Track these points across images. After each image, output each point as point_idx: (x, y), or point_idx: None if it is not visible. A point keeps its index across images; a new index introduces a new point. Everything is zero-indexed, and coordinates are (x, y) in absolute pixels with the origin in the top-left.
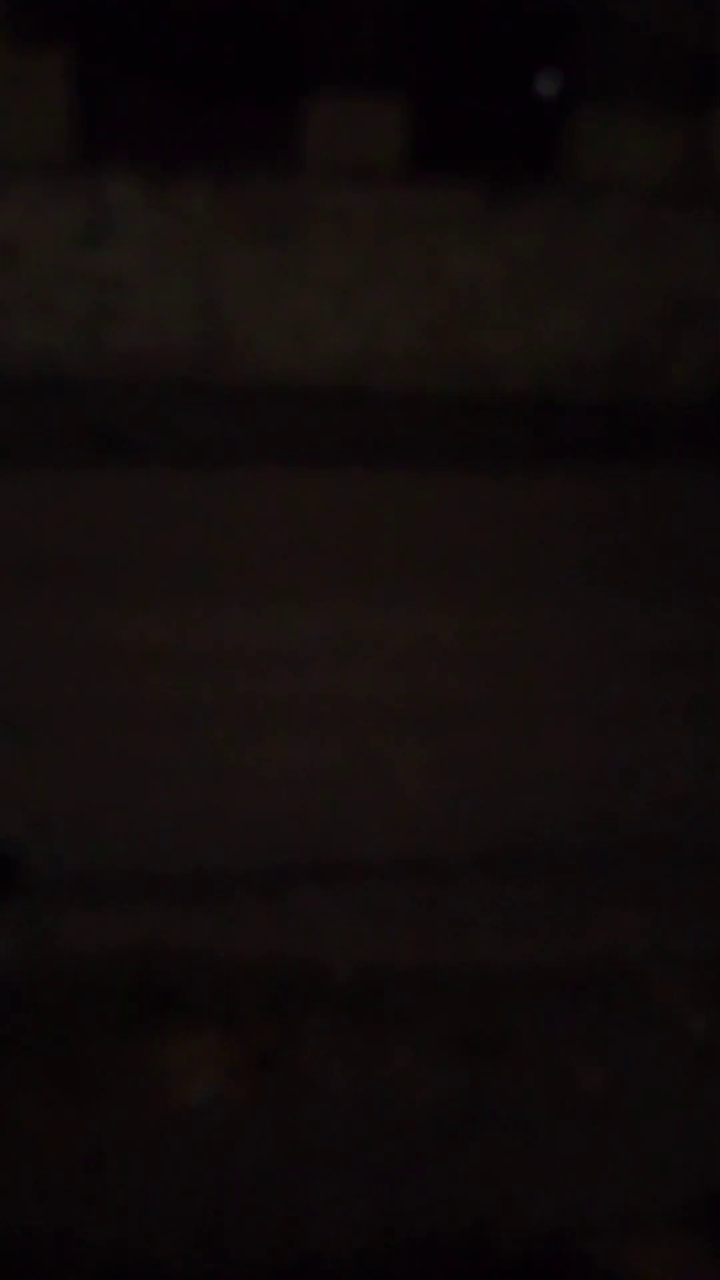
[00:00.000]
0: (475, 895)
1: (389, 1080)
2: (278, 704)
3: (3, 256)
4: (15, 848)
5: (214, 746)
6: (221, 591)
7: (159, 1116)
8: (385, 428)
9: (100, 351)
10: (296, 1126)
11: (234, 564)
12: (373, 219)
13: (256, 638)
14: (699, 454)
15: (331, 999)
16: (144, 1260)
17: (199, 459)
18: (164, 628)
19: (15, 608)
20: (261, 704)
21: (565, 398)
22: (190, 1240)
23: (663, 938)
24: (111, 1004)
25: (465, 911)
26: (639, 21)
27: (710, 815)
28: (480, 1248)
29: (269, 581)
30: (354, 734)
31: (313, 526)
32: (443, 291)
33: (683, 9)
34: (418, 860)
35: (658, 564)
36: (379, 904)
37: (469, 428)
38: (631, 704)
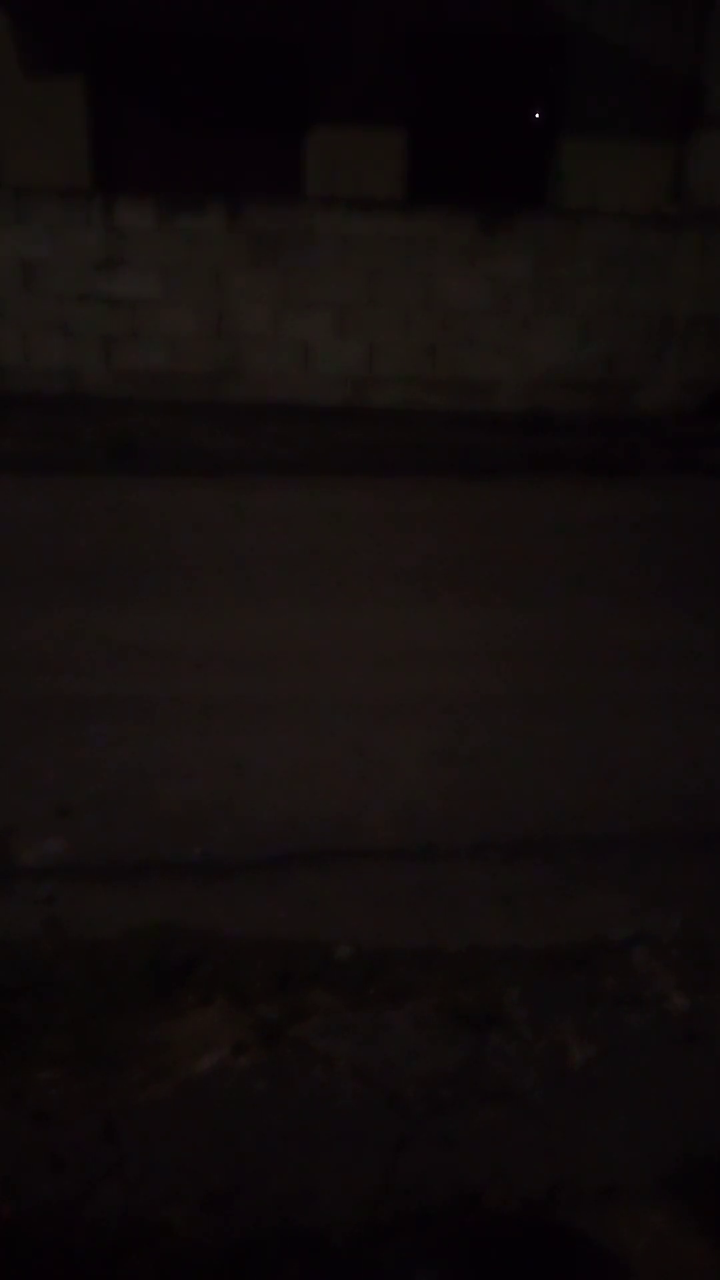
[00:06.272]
0: (470, 879)
1: (387, 1053)
2: (283, 699)
3: (25, 279)
4: None
5: (223, 739)
6: (229, 593)
7: (171, 1089)
8: (383, 442)
9: (116, 369)
10: (300, 1097)
11: (241, 567)
12: (372, 244)
13: (262, 636)
14: (680, 466)
15: (333, 976)
16: (155, 1228)
17: (208, 470)
18: (176, 627)
19: (36, 606)
20: (267, 699)
21: (554, 413)
22: (199, 1209)
23: (647, 921)
24: (127, 981)
25: (461, 894)
26: (623, 53)
27: (692, 804)
28: (471, 1218)
29: (274, 583)
30: (355, 727)
31: (315, 532)
32: (437, 313)
33: (665, 40)
34: (416, 846)
35: (641, 568)
36: (379, 887)
37: (462, 442)
38: (617, 700)
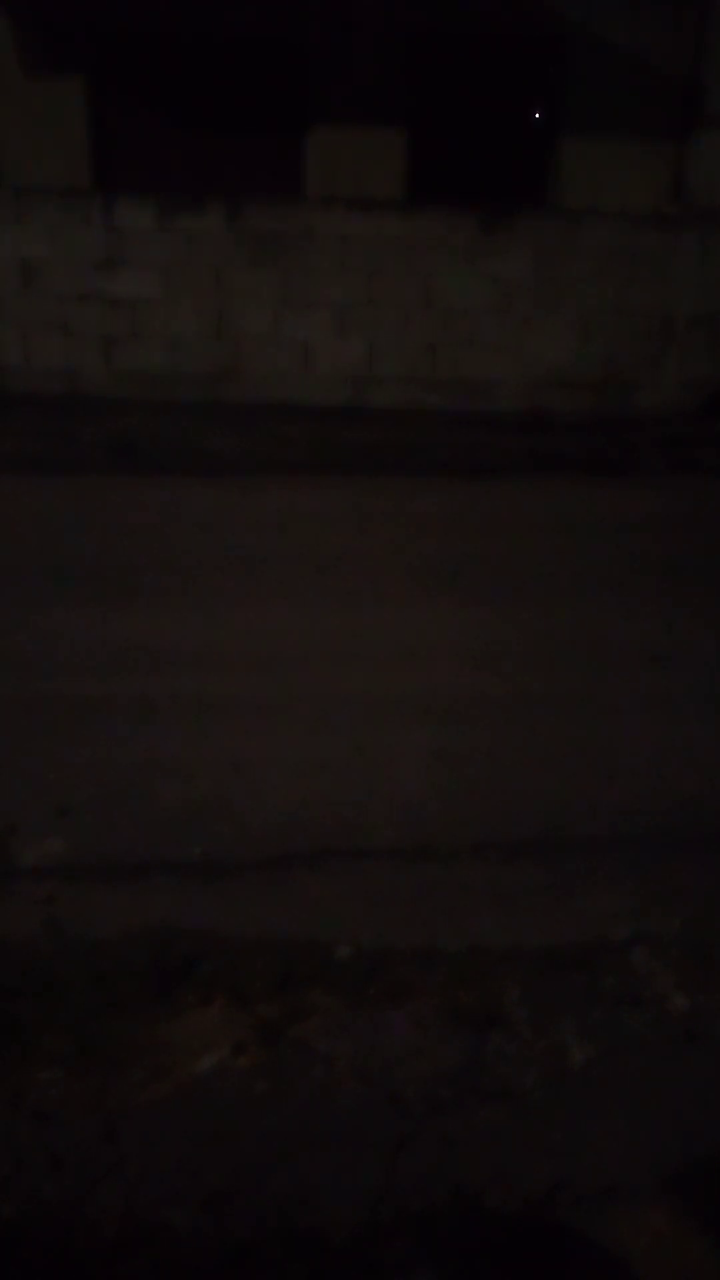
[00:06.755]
0: (470, 879)
1: (387, 1053)
2: (282, 699)
3: (25, 279)
4: None
5: (223, 739)
6: (229, 593)
7: (171, 1089)
8: (383, 442)
9: (116, 370)
10: (300, 1097)
11: (241, 567)
12: (372, 244)
13: (262, 636)
14: (680, 466)
15: (333, 976)
16: (155, 1228)
17: (208, 469)
18: (175, 627)
19: (37, 606)
20: (267, 699)
21: (554, 413)
22: (199, 1209)
23: (647, 921)
24: (127, 982)
25: (461, 894)
26: (623, 53)
27: (692, 804)
28: (471, 1218)
29: (275, 583)
30: (355, 727)
31: (315, 532)
32: (437, 313)
33: (665, 40)
34: (416, 846)
35: (640, 568)
36: (379, 887)
37: (462, 442)
38: (617, 700)
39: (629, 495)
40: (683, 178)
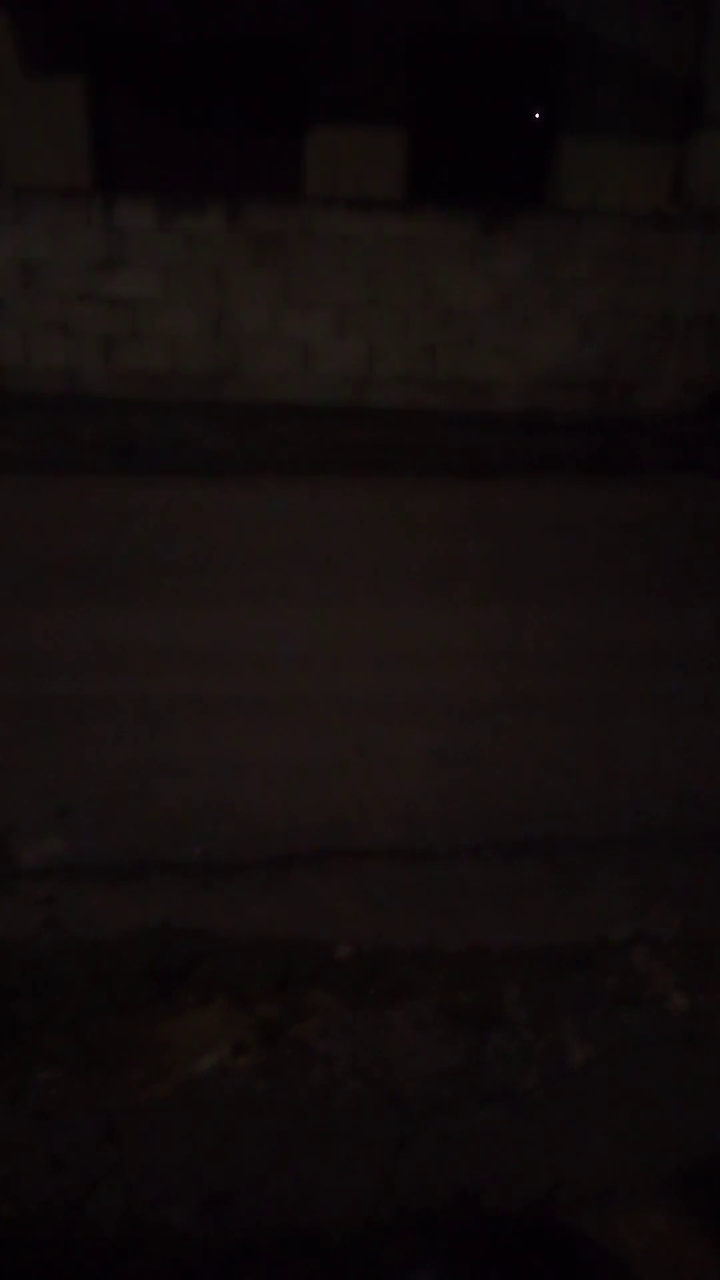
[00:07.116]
0: (470, 879)
1: (387, 1053)
2: (282, 699)
3: (25, 279)
4: None
5: (223, 740)
6: (229, 593)
7: (171, 1089)
8: (383, 442)
9: (116, 369)
10: (300, 1098)
11: (241, 567)
12: (372, 244)
13: (262, 636)
14: (680, 466)
15: (333, 976)
16: (155, 1228)
17: (208, 470)
18: (176, 627)
19: (37, 606)
20: (267, 699)
21: (554, 413)
22: (199, 1209)
23: (647, 921)
24: (127, 982)
25: (461, 894)
26: (623, 53)
27: (692, 804)
28: (471, 1218)
29: (275, 583)
30: (355, 727)
31: (315, 532)
32: (437, 313)
33: (665, 41)
34: (416, 846)
35: (641, 568)
36: (379, 887)
37: (462, 442)
38: (617, 700)
39: (629, 495)
40: (683, 178)
